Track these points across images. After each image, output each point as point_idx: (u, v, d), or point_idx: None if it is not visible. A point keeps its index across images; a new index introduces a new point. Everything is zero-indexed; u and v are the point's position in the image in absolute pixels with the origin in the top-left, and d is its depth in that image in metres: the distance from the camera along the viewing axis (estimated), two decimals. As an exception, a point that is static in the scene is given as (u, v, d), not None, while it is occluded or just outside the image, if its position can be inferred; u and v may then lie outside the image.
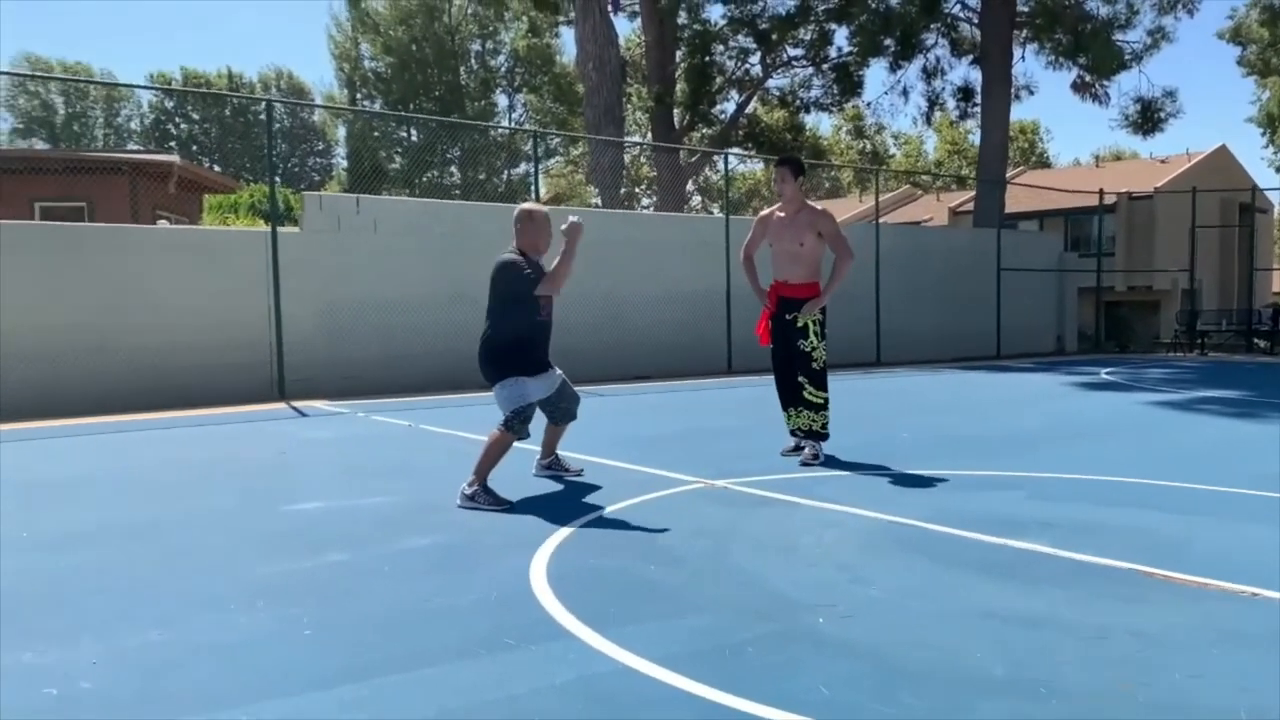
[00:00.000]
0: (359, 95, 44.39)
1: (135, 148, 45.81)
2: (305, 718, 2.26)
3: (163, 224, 13.40)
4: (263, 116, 11.45)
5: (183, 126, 51.98)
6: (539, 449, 5.55)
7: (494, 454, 4.76)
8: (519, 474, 5.52)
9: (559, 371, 5.26)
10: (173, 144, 49.24)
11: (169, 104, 50.97)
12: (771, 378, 6.31)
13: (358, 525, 4.30)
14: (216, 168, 43.91)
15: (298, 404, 10.05)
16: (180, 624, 2.94)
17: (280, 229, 10.96)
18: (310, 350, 10.99)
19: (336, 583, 3.39)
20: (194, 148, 49.95)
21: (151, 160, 16.56)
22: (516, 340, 4.93)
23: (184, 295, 10.33)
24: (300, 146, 53.59)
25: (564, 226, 4.92)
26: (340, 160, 52.47)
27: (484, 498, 4.66)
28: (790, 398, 6.14)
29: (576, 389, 5.43)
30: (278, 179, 12.42)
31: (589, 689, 2.39)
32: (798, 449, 6.12)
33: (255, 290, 10.71)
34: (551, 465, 5.53)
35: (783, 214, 6.14)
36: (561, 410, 5.31)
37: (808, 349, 6.00)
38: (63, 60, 48.33)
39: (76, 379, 9.63)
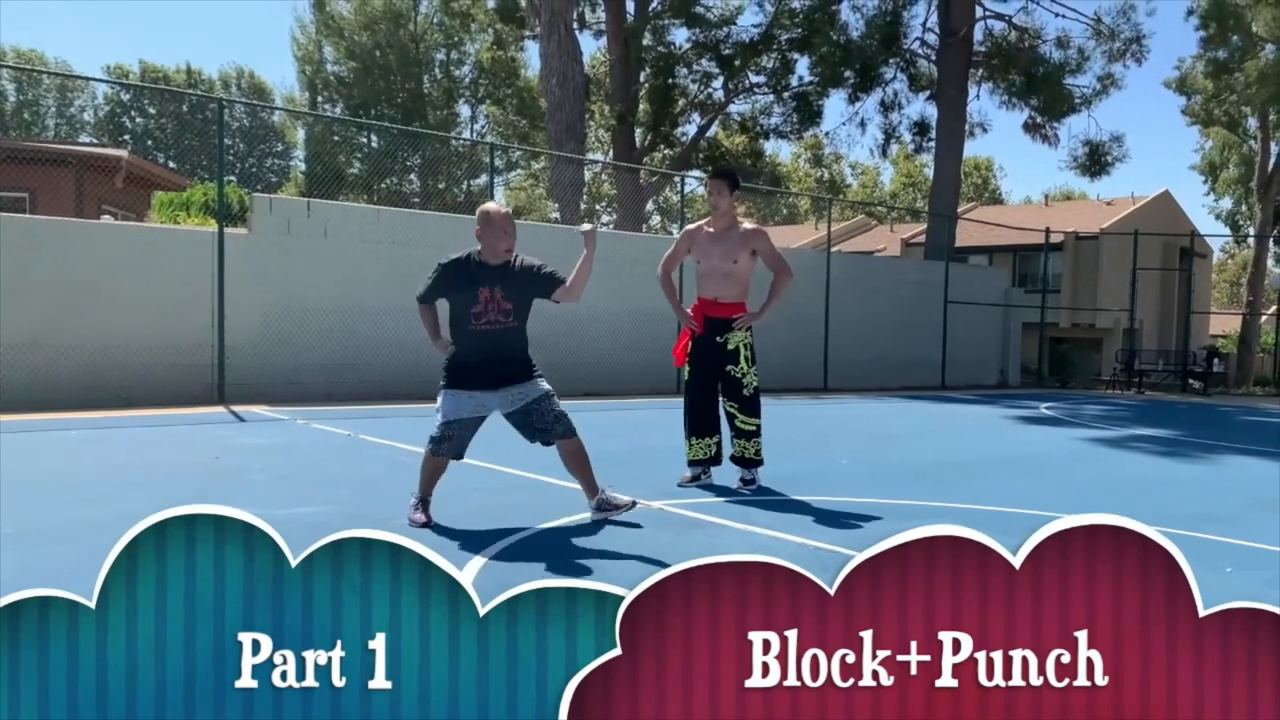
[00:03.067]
0: (320, 98, 44.01)
1: (88, 139, 44.95)
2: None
3: (107, 219, 13.15)
4: (216, 114, 11.27)
5: (138, 120, 51.11)
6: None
7: (422, 469, 4.65)
8: (458, 485, 5.48)
9: (542, 388, 4.64)
10: (127, 137, 48.36)
11: (125, 97, 50.10)
12: None
13: (285, 535, 4.21)
14: (172, 164, 43.20)
15: (237, 408, 9.89)
16: (88, 630, 2.87)
17: (228, 230, 10.82)
18: (253, 354, 10.83)
19: (255, 592, 3.32)
20: (149, 142, 49.10)
21: (99, 154, 16.26)
22: (459, 349, 4.56)
23: (126, 293, 10.15)
24: (258, 147, 52.94)
25: (583, 228, 4.63)
26: (299, 163, 51.97)
27: (411, 511, 4.58)
28: (704, 426, 5.90)
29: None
30: (233, 178, 12.25)
31: (499, 707, 2.37)
32: (696, 479, 5.92)
33: (199, 291, 10.55)
34: (601, 506, 4.68)
35: (711, 229, 5.86)
36: (534, 430, 4.65)
37: (739, 375, 5.80)
38: (15, 47, 47.33)
39: (9, 374, 9.39)
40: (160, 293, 10.34)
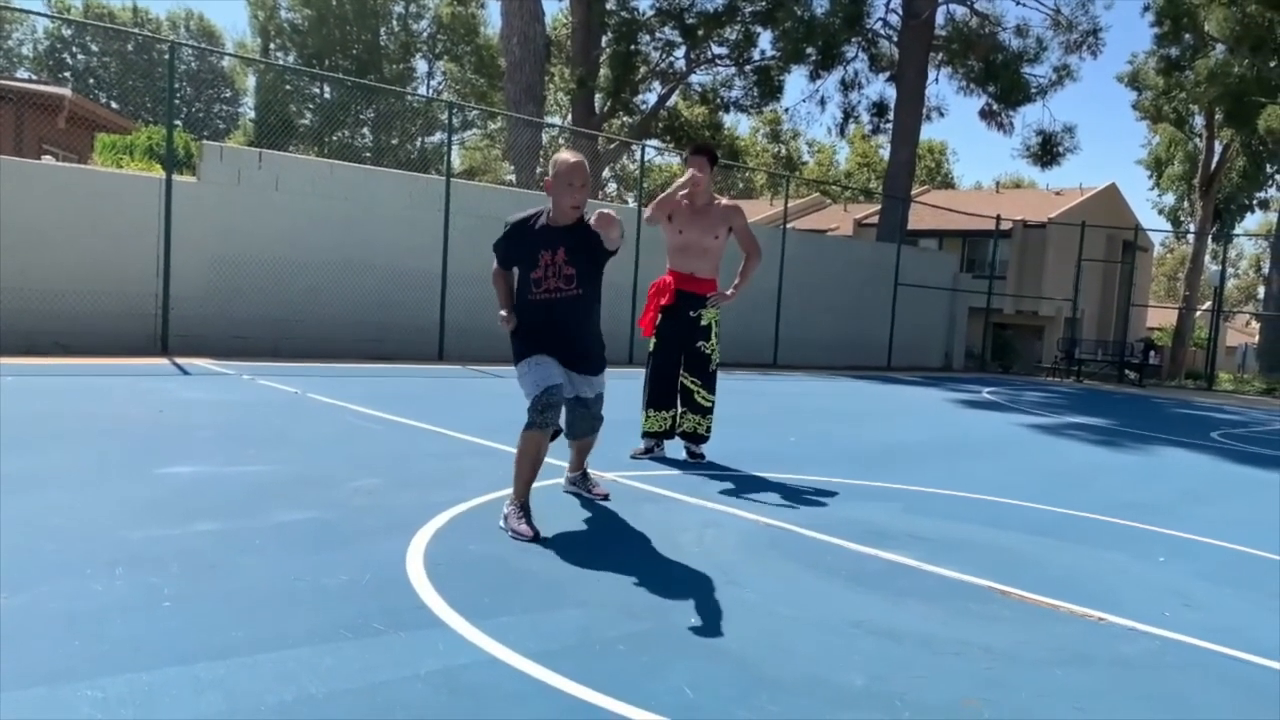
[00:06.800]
0: (273, 45, 42.87)
1: (26, 75, 43.23)
2: (156, 694, 2.18)
3: (48, 160, 12.70)
4: (167, 56, 10.93)
5: (80, 57, 49.30)
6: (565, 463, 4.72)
7: (520, 461, 3.87)
8: (408, 453, 5.44)
9: (600, 388, 4.29)
10: (68, 75, 46.64)
11: (66, 32, 48.24)
12: None
13: (231, 494, 4.18)
14: (114, 104, 41.75)
15: (181, 361, 9.69)
16: (30, 589, 2.81)
17: (176, 177, 10.54)
18: (198, 306, 10.61)
19: (203, 554, 3.28)
20: (91, 81, 47.42)
21: (41, 91, 15.66)
22: (521, 320, 4.08)
23: (68, 238, 9.85)
24: (206, 92, 51.42)
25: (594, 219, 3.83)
26: (248, 110, 50.65)
27: (513, 519, 3.82)
28: (666, 399, 5.91)
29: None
30: (179, 123, 11.92)
31: (453, 680, 2.37)
32: (649, 452, 5.96)
33: (144, 239, 10.28)
34: (575, 483, 4.71)
35: (687, 202, 5.85)
36: (568, 423, 4.33)
37: (708, 351, 5.89)
38: (-50, -27, 45.16)
39: (-61, 316, 9.07)
40: (104, 239, 10.05)
